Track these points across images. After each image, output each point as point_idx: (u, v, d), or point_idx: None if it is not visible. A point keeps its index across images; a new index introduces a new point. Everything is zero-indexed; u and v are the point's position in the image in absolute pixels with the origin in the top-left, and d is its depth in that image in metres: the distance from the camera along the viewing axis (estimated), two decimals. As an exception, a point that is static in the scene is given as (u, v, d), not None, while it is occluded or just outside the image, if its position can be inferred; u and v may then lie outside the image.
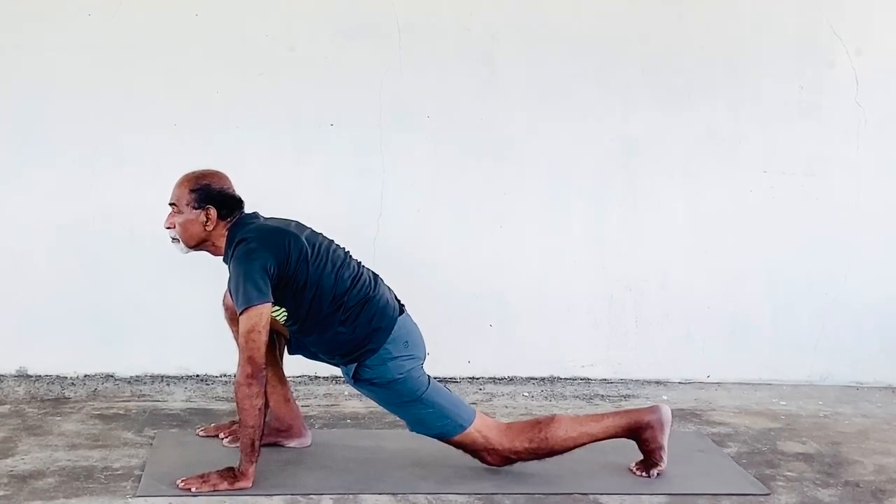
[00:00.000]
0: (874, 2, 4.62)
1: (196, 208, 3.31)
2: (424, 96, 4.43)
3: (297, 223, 3.41)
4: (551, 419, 3.37)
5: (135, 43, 4.27)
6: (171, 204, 3.36)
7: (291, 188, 4.34)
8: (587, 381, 4.57)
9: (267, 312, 3.18)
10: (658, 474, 3.37)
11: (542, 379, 4.53)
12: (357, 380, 3.35)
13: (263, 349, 3.17)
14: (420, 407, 3.32)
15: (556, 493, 3.25)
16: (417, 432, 3.39)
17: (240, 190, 4.27)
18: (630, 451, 3.61)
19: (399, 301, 3.41)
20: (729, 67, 4.56)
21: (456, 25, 4.43)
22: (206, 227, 3.32)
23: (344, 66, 4.38)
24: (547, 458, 3.36)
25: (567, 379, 4.55)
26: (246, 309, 3.15)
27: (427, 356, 3.40)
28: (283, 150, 4.40)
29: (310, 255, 3.27)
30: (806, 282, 4.66)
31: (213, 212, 3.30)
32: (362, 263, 3.42)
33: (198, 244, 3.37)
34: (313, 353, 3.44)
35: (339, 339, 3.30)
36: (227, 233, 3.33)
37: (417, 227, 4.43)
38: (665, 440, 3.38)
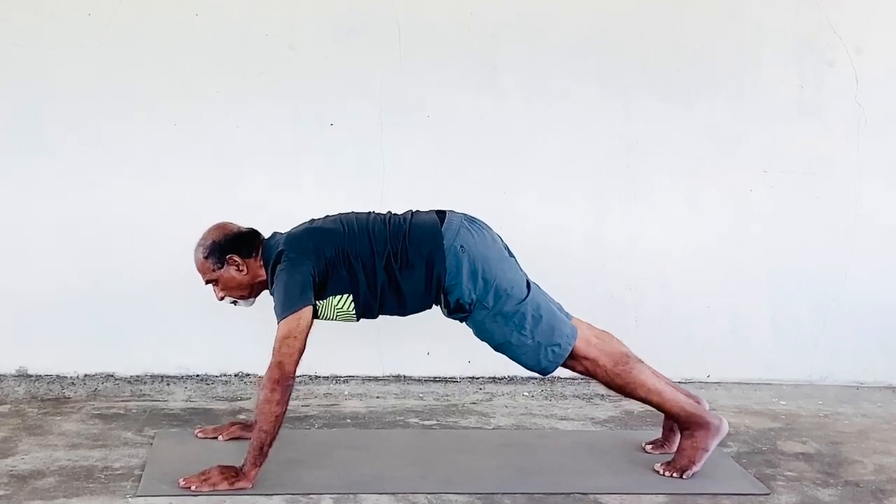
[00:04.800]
0: (874, 2, 4.62)
1: (221, 267, 3.36)
2: (424, 96, 4.43)
3: (311, 220, 3.45)
4: (640, 360, 3.45)
5: (135, 43, 4.27)
6: (206, 283, 3.42)
7: (291, 188, 4.35)
8: (587, 380, 4.56)
9: (306, 318, 3.20)
10: (693, 475, 3.36)
11: (542, 379, 4.52)
12: (452, 311, 3.38)
13: (296, 357, 3.18)
14: (522, 328, 3.33)
15: (556, 493, 3.25)
16: (530, 366, 3.40)
17: (240, 189, 4.31)
18: (630, 450, 3.62)
19: (438, 212, 3.44)
20: (729, 66, 4.56)
21: (456, 25, 4.43)
22: (243, 272, 3.37)
23: (344, 65, 4.38)
24: (611, 390, 3.49)
25: (567, 379, 4.54)
26: (285, 315, 3.19)
27: (505, 254, 3.44)
28: (283, 150, 4.40)
29: (342, 235, 3.32)
30: (806, 281, 4.66)
31: (236, 258, 3.36)
32: (392, 212, 3.47)
33: (251, 290, 3.44)
34: (402, 312, 3.47)
35: (411, 286, 3.33)
36: (261, 262, 3.37)
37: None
38: (712, 446, 3.39)
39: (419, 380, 4.52)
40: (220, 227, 3.42)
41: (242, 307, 3.51)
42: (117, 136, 4.31)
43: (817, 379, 4.68)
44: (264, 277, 3.39)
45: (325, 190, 4.35)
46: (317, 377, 4.45)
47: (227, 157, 4.36)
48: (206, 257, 3.36)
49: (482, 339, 3.42)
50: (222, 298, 3.44)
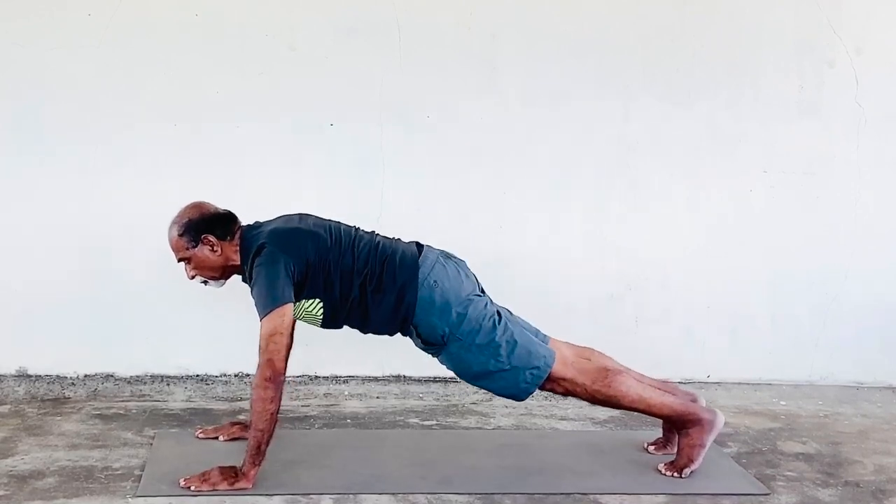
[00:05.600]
0: (874, 2, 4.62)
1: (195, 246, 3.35)
2: (424, 96, 4.43)
3: (301, 215, 3.45)
4: (620, 371, 3.44)
5: (134, 43, 4.27)
6: (179, 261, 3.41)
7: (291, 188, 4.34)
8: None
9: (289, 315, 3.20)
10: (691, 473, 3.38)
11: (542, 379, 4.52)
12: (425, 344, 3.40)
13: (284, 353, 3.18)
14: (498, 355, 3.32)
15: (556, 493, 3.25)
16: (511, 394, 3.41)
17: (240, 190, 4.31)
18: (630, 450, 3.62)
19: (418, 245, 3.44)
20: (729, 66, 4.55)
21: (456, 25, 4.43)
22: (216, 254, 3.36)
23: (344, 65, 4.38)
24: (599, 406, 3.48)
25: (567, 379, 4.55)
26: (268, 312, 3.17)
27: (476, 290, 3.43)
28: (283, 150, 4.40)
29: (328, 243, 3.32)
30: (806, 281, 4.66)
31: (211, 238, 3.34)
32: (376, 232, 3.48)
33: (223, 272, 3.42)
34: (363, 330, 3.48)
35: (379, 309, 3.34)
36: (237, 248, 3.36)
37: (417, 227, 4.42)
38: (708, 441, 3.41)
39: (419, 380, 4.52)
40: (197, 205, 3.41)
41: (213, 288, 3.50)
42: (117, 136, 4.30)
43: (817, 379, 4.68)
44: (237, 262, 3.37)
45: (325, 190, 4.35)
46: (317, 377, 4.46)
47: (227, 157, 4.36)
48: (180, 235, 3.35)
49: (458, 373, 3.43)
50: (193, 277, 3.43)
